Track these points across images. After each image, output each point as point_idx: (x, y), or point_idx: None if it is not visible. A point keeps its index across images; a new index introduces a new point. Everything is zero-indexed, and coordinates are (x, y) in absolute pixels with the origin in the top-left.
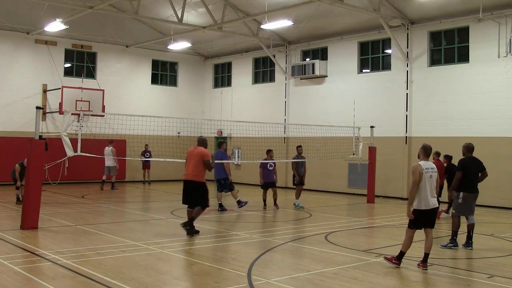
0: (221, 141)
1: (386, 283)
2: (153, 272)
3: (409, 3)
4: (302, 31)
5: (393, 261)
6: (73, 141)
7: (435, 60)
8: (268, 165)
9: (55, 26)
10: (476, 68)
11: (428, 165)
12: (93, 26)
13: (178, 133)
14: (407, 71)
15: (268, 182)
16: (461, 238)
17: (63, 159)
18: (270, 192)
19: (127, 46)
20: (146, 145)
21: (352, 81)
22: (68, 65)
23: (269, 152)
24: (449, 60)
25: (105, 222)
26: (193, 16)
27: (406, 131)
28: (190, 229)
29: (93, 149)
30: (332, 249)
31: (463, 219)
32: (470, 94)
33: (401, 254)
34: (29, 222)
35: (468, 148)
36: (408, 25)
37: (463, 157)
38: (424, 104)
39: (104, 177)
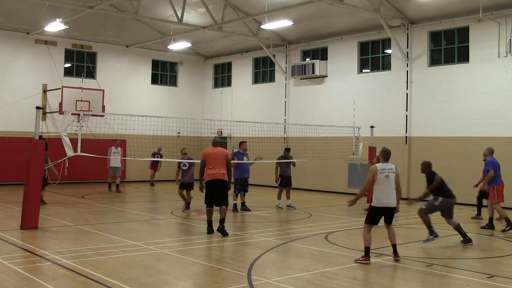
0: (241, 141)
1: (386, 283)
2: (153, 272)
3: (409, 3)
4: (302, 31)
5: (361, 259)
6: (73, 141)
7: (435, 60)
8: (182, 165)
9: (55, 26)
10: (476, 68)
11: (385, 166)
12: (93, 26)
13: (178, 133)
14: (407, 71)
15: (184, 182)
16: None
17: (63, 159)
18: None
19: (127, 46)
20: (159, 147)
21: (352, 81)
22: (68, 65)
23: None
24: (449, 60)
25: (105, 222)
26: (193, 16)
27: (406, 131)
28: (225, 230)
29: (93, 149)
30: (332, 249)
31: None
32: (470, 94)
33: (367, 250)
34: (29, 222)
35: (427, 165)
36: (408, 25)
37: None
38: (424, 104)
39: (109, 179)
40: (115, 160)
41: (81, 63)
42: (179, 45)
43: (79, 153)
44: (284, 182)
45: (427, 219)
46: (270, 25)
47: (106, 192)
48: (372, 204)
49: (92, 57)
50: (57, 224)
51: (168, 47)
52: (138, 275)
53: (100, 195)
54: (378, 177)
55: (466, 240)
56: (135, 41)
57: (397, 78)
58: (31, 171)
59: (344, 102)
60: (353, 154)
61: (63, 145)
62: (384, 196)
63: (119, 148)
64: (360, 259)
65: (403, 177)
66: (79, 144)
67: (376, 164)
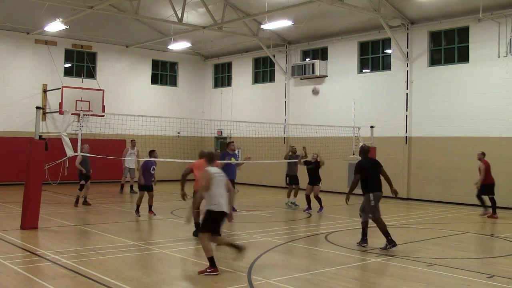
0: (229, 141)
1: (386, 283)
2: (153, 272)
3: (409, 3)
4: (302, 31)
5: (208, 271)
6: (73, 141)
7: (435, 60)
8: (151, 169)
9: (55, 26)
10: (476, 68)
11: (215, 170)
12: (93, 26)
13: (178, 133)
14: (407, 71)
15: (147, 185)
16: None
17: (63, 159)
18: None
19: (127, 46)
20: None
21: (352, 81)
22: (68, 65)
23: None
24: (449, 60)
25: (105, 222)
26: (193, 16)
27: (406, 131)
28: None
29: (93, 149)
30: (332, 249)
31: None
32: (470, 94)
33: (211, 260)
34: (29, 222)
35: (363, 151)
36: (408, 25)
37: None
38: (424, 104)
39: (123, 180)
40: (131, 161)
41: (81, 63)
42: (179, 45)
43: (79, 153)
44: (292, 180)
45: (382, 224)
46: (270, 25)
47: (112, 193)
48: (211, 209)
49: (92, 57)
50: (57, 224)
51: (168, 47)
52: (138, 275)
53: (100, 195)
54: (215, 180)
55: (364, 241)
56: (135, 41)
57: (397, 78)
58: (31, 171)
59: (344, 102)
60: (353, 154)
61: (63, 145)
62: (223, 200)
63: (135, 149)
64: (208, 271)
65: (402, 178)
66: (79, 144)
67: (207, 168)
